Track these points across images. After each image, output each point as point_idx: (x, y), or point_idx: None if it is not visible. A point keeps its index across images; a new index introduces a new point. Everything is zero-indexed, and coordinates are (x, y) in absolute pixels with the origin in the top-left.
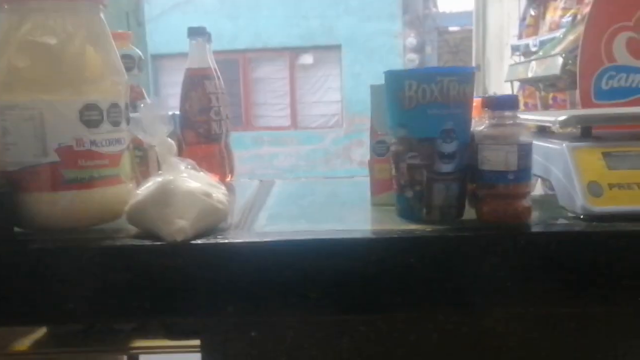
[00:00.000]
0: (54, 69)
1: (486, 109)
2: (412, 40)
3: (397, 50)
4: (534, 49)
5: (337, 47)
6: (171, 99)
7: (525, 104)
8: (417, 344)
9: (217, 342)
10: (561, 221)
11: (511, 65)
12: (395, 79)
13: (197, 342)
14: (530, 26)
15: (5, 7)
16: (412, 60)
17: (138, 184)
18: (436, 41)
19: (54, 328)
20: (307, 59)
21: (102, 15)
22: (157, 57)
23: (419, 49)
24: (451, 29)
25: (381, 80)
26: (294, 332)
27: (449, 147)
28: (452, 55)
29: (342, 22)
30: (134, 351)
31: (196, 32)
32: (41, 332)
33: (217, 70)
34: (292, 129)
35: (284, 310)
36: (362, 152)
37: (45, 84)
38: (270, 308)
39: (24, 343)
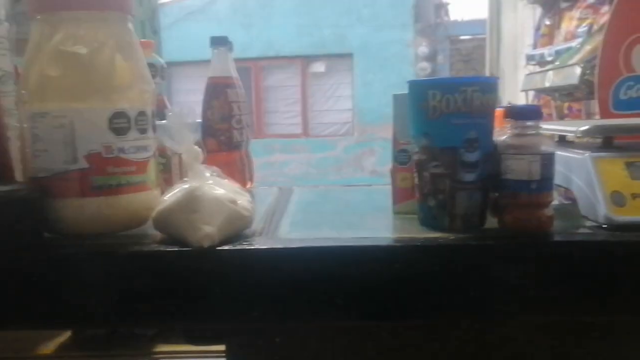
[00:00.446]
0: (85, 77)
1: (509, 118)
2: (424, 49)
3: (408, 59)
4: (549, 59)
5: (349, 56)
6: None
7: None
8: (439, 351)
9: (242, 347)
10: (583, 230)
11: (527, 75)
12: (419, 88)
13: (219, 347)
14: (545, 35)
15: (38, 17)
16: (424, 69)
17: (162, 191)
18: (448, 50)
19: (78, 332)
20: (319, 67)
21: (130, 25)
22: (169, 65)
23: (431, 57)
24: (463, 37)
25: (393, 89)
26: (318, 338)
27: (472, 157)
28: (464, 64)
29: (354, 31)
30: (156, 356)
31: (219, 42)
32: (66, 335)
33: (239, 79)
34: (304, 136)
35: (309, 316)
36: (374, 161)
37: (75, 92)
38: (295, 314)
39: (49, 346)
